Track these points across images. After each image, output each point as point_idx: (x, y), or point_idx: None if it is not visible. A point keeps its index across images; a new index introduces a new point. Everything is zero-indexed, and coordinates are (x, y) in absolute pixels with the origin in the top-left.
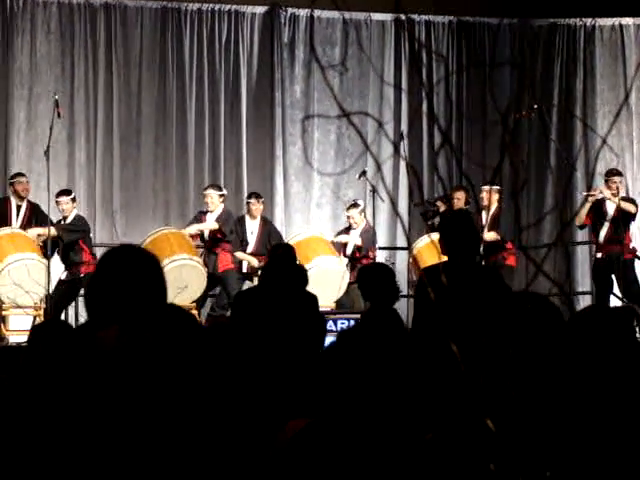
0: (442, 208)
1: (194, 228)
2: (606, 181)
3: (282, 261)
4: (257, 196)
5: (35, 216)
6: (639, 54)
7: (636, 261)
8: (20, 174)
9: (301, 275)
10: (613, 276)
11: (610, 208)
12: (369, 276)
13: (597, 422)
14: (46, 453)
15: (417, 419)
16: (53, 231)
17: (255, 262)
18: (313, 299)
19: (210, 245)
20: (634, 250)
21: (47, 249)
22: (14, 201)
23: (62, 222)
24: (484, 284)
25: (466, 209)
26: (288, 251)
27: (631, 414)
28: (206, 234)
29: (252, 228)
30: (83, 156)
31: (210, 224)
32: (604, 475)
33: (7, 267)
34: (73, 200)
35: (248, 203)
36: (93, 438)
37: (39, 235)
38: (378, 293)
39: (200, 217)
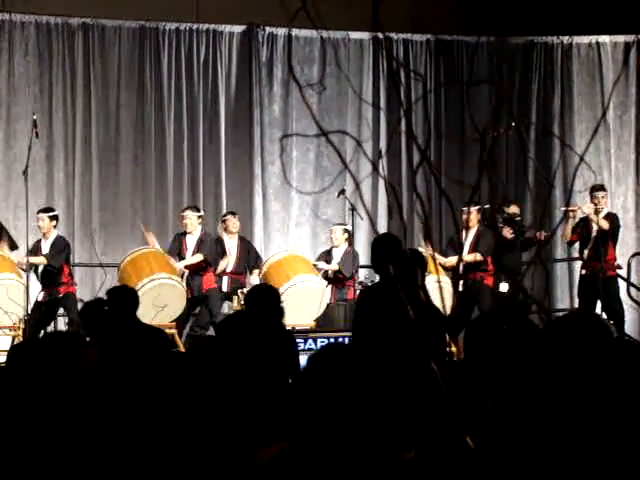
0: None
1: (182, 264)
2: (591, 197)
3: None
4: (233, 213)
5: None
6: (616, 72)
7: (619, 279)
8: None
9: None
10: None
11: (595, 226)
12: (258, 296)
13: (578, 437)
14: (30, 469)
15: (396, 438)
16: (43, 260)
17: (233, 248)
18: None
19: (194, 270)
20: (618, 267)
21: (27, 269)
22: None
23: (43, 241)
24: (413, 303)
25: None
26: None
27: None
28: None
29: (231, 246)
30: (62, 176)
31: (194, 259)
32: None
33: None
34: (52, 218)
35: (224, 220)
36: (76, 454)
37: (31, 264)
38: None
39: (181, 239)
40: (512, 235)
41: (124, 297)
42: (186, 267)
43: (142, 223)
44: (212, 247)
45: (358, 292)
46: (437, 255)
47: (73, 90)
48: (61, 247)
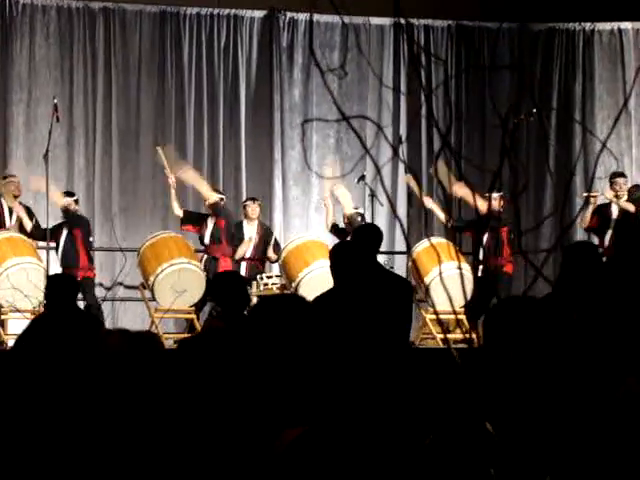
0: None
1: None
2: (611, 183)
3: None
4: (253, 199)
5: (28, 217)
6: (638, 58)
7: None
8: (11, 175)
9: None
10: None
11: (615, 212)
12: (221, 283)
13: (596, 423)
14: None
15: (415, 424)
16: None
17: (253, 234)
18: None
19: (209, 250)
20: None
21: (47, 252)
22: (5, 204)
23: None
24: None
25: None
26: None
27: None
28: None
29: (250, 232)
30: (82, 160)
31: (207, 192)
32: (604, 477)
33: (6, 271)
34: (76, 202)
35: (245, 206)
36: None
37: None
38: (229, 300)
39: (203, 220)
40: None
41: (62, 285)
42: (200, 240)
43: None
44: (229, 213)
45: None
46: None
47: (94, 74)
48: (83, 227)
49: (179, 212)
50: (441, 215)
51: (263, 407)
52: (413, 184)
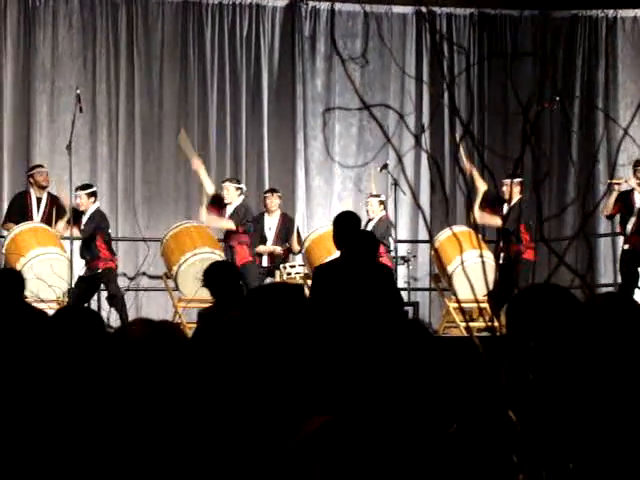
0: None
1: (212, 221)
2: (634, 172)
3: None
4: (272, 191)
5: (55, 208)
6: None
7: None
8: (39, 165)
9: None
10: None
11: (638, 199)
12: (214, 274)
13: (619, 412)
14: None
15: (439, 413)
16: (75, 231)
17: (278, 249)
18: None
19: (227, 239)
20: None
21: (71, 243)
22: (34, 194)
23: (81, 217)
24: (374, 281)
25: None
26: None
27: None
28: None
29: (270, 224)
30: (105, 150)
31: (225, 223)
32: (628, 466)
33: (30, 261)
34: (90, 195)
35: (264, 198)
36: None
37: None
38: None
39: (220, 211)
40: None
41: (6, 280)
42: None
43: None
44: (244, 216)
45: (315, 268)
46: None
47: (116, 64)
48: (94, 221)
49: (211, 189)
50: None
51: (287, 394)
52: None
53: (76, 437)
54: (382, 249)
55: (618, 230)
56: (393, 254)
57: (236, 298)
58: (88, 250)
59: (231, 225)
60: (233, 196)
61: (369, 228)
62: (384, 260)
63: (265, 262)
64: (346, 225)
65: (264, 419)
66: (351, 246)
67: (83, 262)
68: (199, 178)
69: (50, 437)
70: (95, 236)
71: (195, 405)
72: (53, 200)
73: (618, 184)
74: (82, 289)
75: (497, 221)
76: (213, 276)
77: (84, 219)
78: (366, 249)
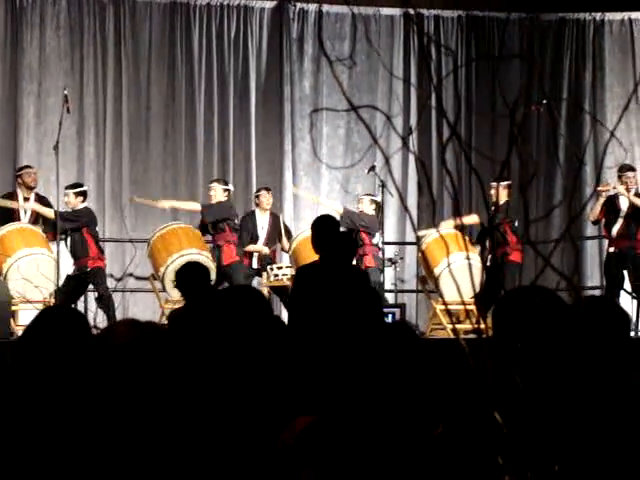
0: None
1: (168, 204)
2: (619, 177)
3: None
4: (267, 189)
5: (45, 206)
6: None
7: None
8: (28, 166)
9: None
10: (625, 272)
11: (623, 204)
12: (185, 275)
13: (604, 414)
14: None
15: (426, 414)
16: (51, 213)
17: (265, 250)
18: None
19: (214, 237)
20: None
21: (57, 243)
22: (21, 194)
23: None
24: (351, 284)
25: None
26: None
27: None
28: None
29: (262, 223)
30: (92, 151)
31: (187, 204)
32: (614, 468)
33: (17, 262)
34: (78, 194)
35: (258, 196)
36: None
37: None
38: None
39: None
40: None
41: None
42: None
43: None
44: (219, 209)
45: (296, 269)
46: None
47: (104, 65)
48: (77, 213)
49: (197, 206)
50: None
51: (271, 396)
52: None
53: (61, 437)
54: (368, 242)
55: (603, 233)
56: (380, 255)
57: (205, 300)
58: (77, 248)
59: (195, 206)
60: (220, 197)
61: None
62: (369, 255)
63: (255, 264)
64: (324, 229)
65: (251, 419)
66: (329, 249)
67: (71, 261)
68: (181, 208)
69: (35, 438)
70: (82, 233)
71: (181, 406)
72: (40, 200)
73: (606, 190)
74: (71, 288)
75: (474, 218)
76: (184, 277)
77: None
78: (344, 252)
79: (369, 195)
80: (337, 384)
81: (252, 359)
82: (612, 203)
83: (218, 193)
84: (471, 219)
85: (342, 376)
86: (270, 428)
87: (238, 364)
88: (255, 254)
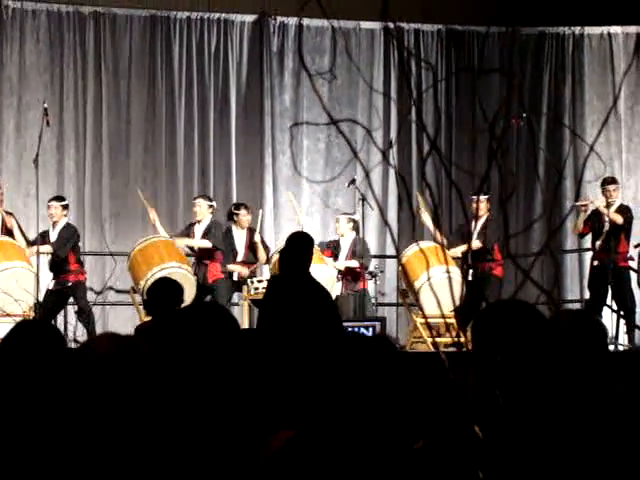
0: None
1: (182, 243)
2: (602, 190)
3: None
4: (246, 207)
5: (12, 222)
6: (628, 63)
7: (631, 271)
8: None
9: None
10: (608, 285)
11: (607, 218)
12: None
13: (582, 428)
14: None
15: (406, 428)
16: (49, 249)
17: (245, 271)
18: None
19: (200, 255)
20: (630, 259)
21: (37, 256)
22: None
23: (51, 229)
24: (310, 298)
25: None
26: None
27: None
28: (195, 247)
29: (240, 238)
30: (72, 164)
31: (200, 242)
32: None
33: None
34: (65, 207)
35: (237, 214)
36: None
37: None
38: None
39: (190, 229)
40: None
41: None
42: (190, 248)
43: (141, 192)
44: (219, 235)
45: (267, 280)
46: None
47: (84, 79)
48: (68, 236)
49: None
50: (437, 236)
51: (252, 410)
52: (422, 202)
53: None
54: (358, 266)
55: (589, 246)
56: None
57: (172, 315)
58: (56, 264)
59: (205, 243)
60: (204, 213)
61: (343, 246)
62: (361, 283)
63: (235, 276)
64: (298, 246)
65: (230, 434)
66: (293, 263)
67: (51, 275)
68: (155, 227)
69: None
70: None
71: (160, 420)
72: (9, 215)
73: (584, 206)
74: (51, 303)
75: (457, 253)
76: (152, 295)
77: (53, 233)
78: (301, 264)
79: (346, 214)
80: (314, 398)
81: (218, 376)
82: (597, 217)
83: (203, 209)
84: (476, 244)
85: (314, 389)
86: (249, 442)
87: (205, 381)
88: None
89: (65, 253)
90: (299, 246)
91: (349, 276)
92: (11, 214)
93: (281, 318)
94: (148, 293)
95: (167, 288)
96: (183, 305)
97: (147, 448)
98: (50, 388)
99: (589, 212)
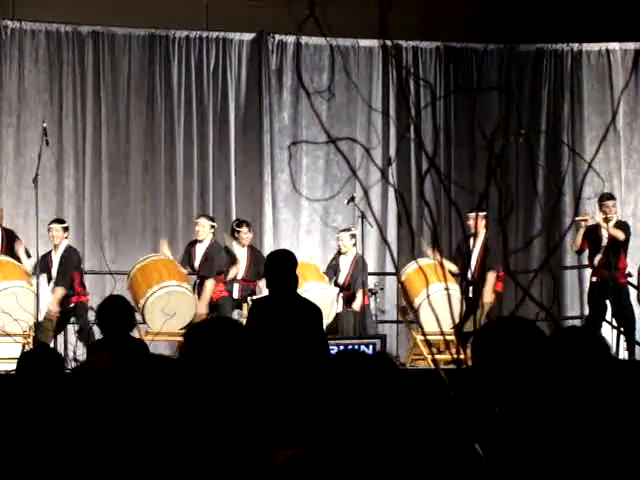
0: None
1: (202, 307)
2: (600, 206)
3: None
4: (248, 224)
5: (11, 241)
6: (626, 79)
7: (630, 287)
8: None
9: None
10: (607, 301)
11: (604, 234)
12: (105, 308)
13: (583, 445)
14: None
15: (406, 445)
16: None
17: (244, 255)
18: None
19: (202, 274)
20: (629, 275)
21: (37, 276)
22: None
23: (53, 252)
24: (300, 317)
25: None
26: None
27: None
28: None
29: (240, 254)
30: (72, 184)
31: (207, 293)
32: None
33: None
34: (65, 229)
35: (238, 232)
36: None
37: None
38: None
39: (190, 250)
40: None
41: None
42: (191, 267)
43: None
44: (221, 257)
45: (251, 302)
46: (446, 262)
47: (83, 98)
48: (70, 262)
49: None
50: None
51: (255, 428)
52: (435, 255)
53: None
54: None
55: (587, 263)
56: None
57: (125, 333)
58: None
59: (211, 284)
60: (206, 232)
61: (342, 265)
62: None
63: (236, 294)
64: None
65: (232, 452)
66: (277, 285)
67: (49, 294)
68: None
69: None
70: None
71: (159, 438)
72: (7, 235)
73: (584, 220)
74: (54, 324)
75: (453, 268)
76: (103, 311)
77: (55, 257)
78: (289, 288)
79: (346, 230)
80: (315, 416)
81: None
82: (594, 233)
83: (206, 228)
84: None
85: (314, 407)
86: (252, 460)
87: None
88: (235, 285)
89: (67, 279)
90: (283, 264)
91: (348, 294)
92: (12, 232)
93: (268, 340)
94: (98, 311)
95: (117, 306)
96: (184, 324)
97: (152, 463)
98: (53, 411)
99: (586, 229)
